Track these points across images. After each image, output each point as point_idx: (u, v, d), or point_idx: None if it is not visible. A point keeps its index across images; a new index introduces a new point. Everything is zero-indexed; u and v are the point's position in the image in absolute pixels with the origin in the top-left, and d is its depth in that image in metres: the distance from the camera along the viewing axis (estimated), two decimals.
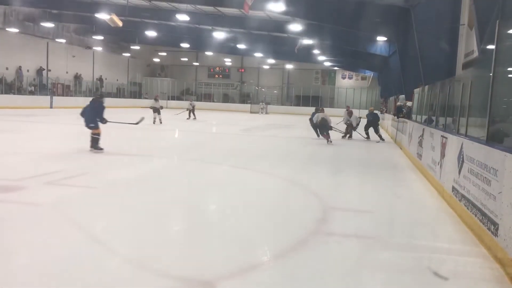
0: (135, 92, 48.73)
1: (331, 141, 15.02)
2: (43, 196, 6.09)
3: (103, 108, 10.81)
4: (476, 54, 10.81)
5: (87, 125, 10.61)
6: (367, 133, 17.71)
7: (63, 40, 36.71)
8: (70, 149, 11.19)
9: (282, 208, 6.26)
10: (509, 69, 5.93)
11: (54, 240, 4.43)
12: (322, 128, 15.82)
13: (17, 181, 6.88)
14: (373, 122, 17.64)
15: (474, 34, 10.30)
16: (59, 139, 14.20)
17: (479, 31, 9.17)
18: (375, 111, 18.79)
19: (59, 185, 6.91)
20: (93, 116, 10.61)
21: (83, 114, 10.69)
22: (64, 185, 6.96)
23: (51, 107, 32.41)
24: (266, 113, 40.46)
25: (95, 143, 10.56)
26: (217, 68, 54.15)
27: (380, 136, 17.50)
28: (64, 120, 22.28)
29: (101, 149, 10.56)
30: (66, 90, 37.99)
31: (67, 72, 38.50)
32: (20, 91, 32.13)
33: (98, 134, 10.60)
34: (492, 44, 5.31)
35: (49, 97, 33.31)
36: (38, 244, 4.28)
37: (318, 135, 16.68)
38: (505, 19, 6.37)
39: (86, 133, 10.68)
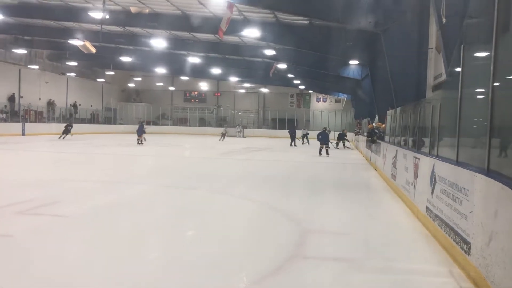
0: (110, 117, 48.30)
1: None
2: (14, 227, 5.91)
3: (328, 134, 21.64)
4: (444, 76, 11.17)
5: (325, 143, 20.91)
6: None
7: (35, 66, 36.30)
8: (42, 177, 10.98)
9: (259, 233, 6.23)
10: (476, 90, 6.13)
11: (25, 273, 4.29)
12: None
13: None
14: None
15: (441, 57, 10.65)
16: (31, 167, 13.90)
17: (446, 55, 9.49)
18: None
19: (31, 214, 6.72)
20: (327, 138, 21.11)
21: (319, 138, 21.24)
22: (36, 214, 6.77)
23: (23, 134, 31.78)
24: (243, 136, 40.38)
25: (327, 152, 20.73)
26: (193, 93, 54.28)
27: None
28: (36, 148, 21.84)
29: (328, 154, 20.52)
30: (38, 117, 37.36)
31: (40, 99, 37.94)
32: None
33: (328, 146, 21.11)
34: (459, 67, 5.51)
35: (21, 124, 32.69)
36: (7, 277, 4.14)
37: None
38: (468, 43, 6.63)
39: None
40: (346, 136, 29.42)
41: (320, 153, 20.76)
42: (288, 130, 31.38)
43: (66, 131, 28.44)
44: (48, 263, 4.58)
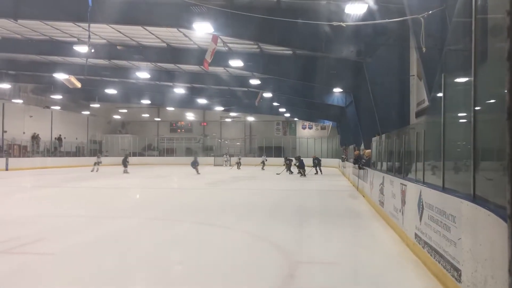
0: (95, 150, 47.80)
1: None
2: None
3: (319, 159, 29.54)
4: (427, 102, 11.35)
5: (317, 166, 28.47)
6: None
7: (20, 101, 36.05)
8: (25, 214, 10.72)
9: (247, 265, 6.13)
10: (458, 114, 6.24)
11: None
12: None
13: None
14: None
15: (423, 84, 10.86)
16: (14, 203, 13.60)
17: (428, 81, 9.67)
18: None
19: (14, 253, 6.55)
20: (317, 164, 28.35)
21: (314, 163, 28.67)
22: (20, 253, 6.59)
23: (6, 169, 31.25)
24: (230, 165, 40.01)
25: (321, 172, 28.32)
26: (179, 123, 54.33)
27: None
28: (20, 183, 21.46)
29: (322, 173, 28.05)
30: (23, 151, 36.84)
31: (24, 133, 37.52)
32: None
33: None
34: (441, 92, 5.61)
35: (4, 159, 32.18)
36: None
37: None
38: (448, 71, 6.78)
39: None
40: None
41: (316, 173, 28.04)
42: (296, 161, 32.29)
43: (125, 163, 29.22)
44: None
